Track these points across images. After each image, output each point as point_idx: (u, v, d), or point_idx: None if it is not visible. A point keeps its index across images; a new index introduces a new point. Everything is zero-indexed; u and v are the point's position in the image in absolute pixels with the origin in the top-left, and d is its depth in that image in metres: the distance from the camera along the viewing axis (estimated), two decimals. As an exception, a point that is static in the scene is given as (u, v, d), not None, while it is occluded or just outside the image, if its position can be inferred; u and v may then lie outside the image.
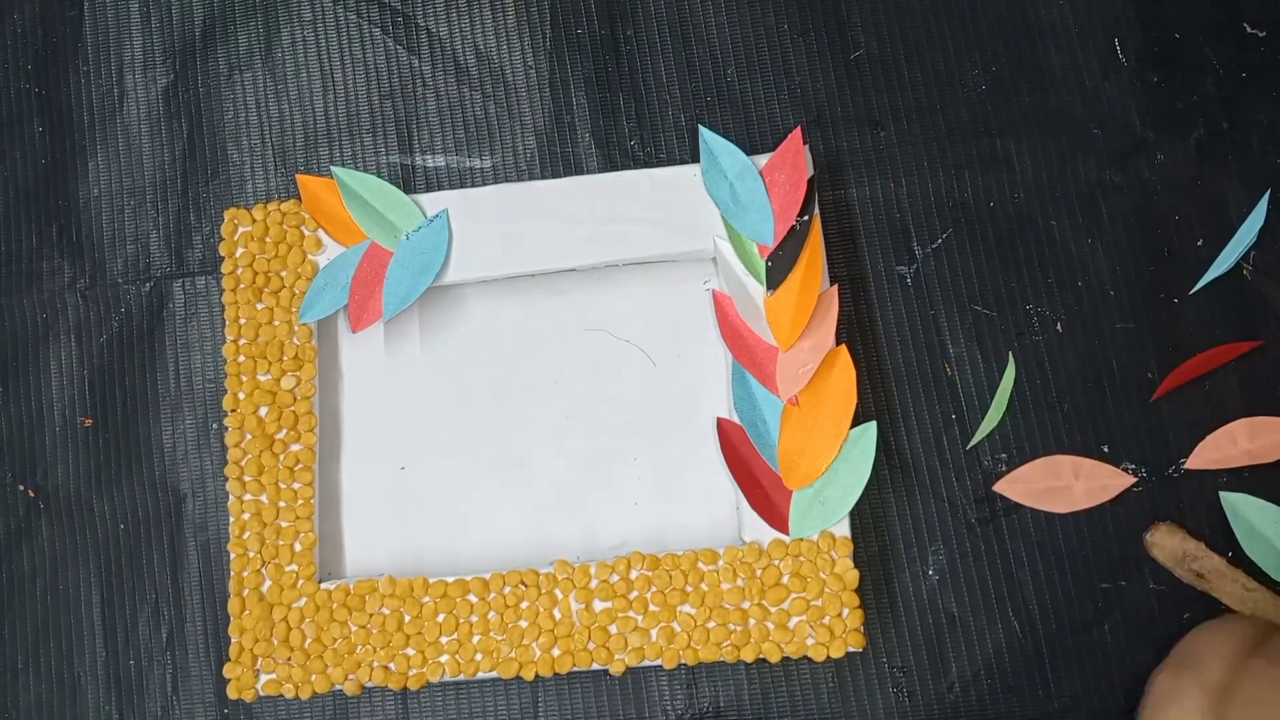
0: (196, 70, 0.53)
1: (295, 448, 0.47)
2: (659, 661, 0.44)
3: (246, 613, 0.46)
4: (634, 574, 0.45)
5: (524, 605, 0.45)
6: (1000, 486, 0.47)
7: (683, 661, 0.44)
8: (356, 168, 0.51)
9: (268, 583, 0.46)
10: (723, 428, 0.46)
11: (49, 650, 0.49)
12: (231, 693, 0.45)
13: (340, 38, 0.53)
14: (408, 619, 0.45)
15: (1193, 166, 0.49)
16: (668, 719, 0.46)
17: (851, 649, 0.44)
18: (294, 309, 0.48)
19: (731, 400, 0.46)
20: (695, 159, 0.48)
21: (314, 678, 0.45)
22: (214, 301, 0.51)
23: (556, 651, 0.44)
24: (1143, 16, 0.50)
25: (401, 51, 0.52)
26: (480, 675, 0.45)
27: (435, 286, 0.48)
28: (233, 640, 0.46)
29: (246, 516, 0.47)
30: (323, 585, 0.46)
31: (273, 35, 0.53)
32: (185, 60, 0.53)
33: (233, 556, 0.46)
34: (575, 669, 0.44)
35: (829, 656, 0.43)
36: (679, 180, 0.48)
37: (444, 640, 0.45)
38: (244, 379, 0.48)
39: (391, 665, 0.45)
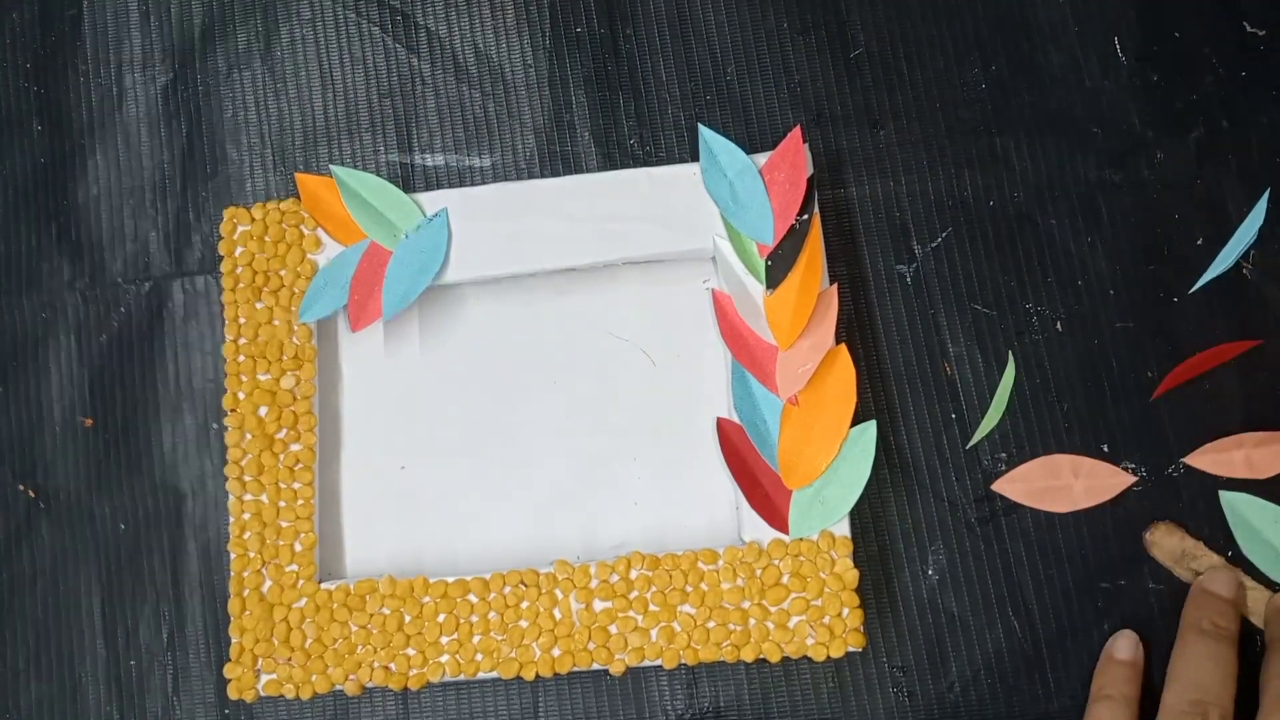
0: (196, 69, 0.53)
1: (295, 448, 0.47)
2: (659, 661, 0.44)
3: (247, 613, 0.46)
4: (634, 574, 0.45)
5: (524, 605, 0.45)
6: (1000, 486, 0.47)
7: (683, 661, 0.44)
8: (356, 167, 0.51)
9: (268, 583, 0.46)
10: (722, 427, 0.46)
11: (49, 651, 0.49)
12: (232, 693, 0.45)
13: (339, 36, 0.53)
14: (408, 619, 0.45)
15: (1192, 166, 0.49)
16: (668, 719, 0.46)
17: (851, 649, 0.44)
18: (294, 308, 0.48)
19: (731, 400, 0.46)
20: (695, 158, 0.48)
21: (314, 678, 0.45)
22: (214, 301, 0.51)
23: (556, 651, 0.44)
24: (1143, 16, 0.50)
25: (401, 50, 0.52)
26: (480, 675, 0.45)
27: (435, 286, 0.48)
28: (233, 640, 0.46)
29: (246, 517, 0.47)
30: (323, 585, 0.46)
31: (272, 34, 0.53)
32: (184, 59, 0.53)
33: (233, 557, 0.47)
34: (575, 669, 0.44)
35: (829, 656, 0.43)
36: (678, 179, 0.48)
37: (444, 640, 0.45)
38: (244, 379, 0.48)
39: (392, 665, 0.45)
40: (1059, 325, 0.48)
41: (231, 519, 0.47)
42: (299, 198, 0.50)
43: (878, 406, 0.48)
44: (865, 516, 0.47)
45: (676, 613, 0.44)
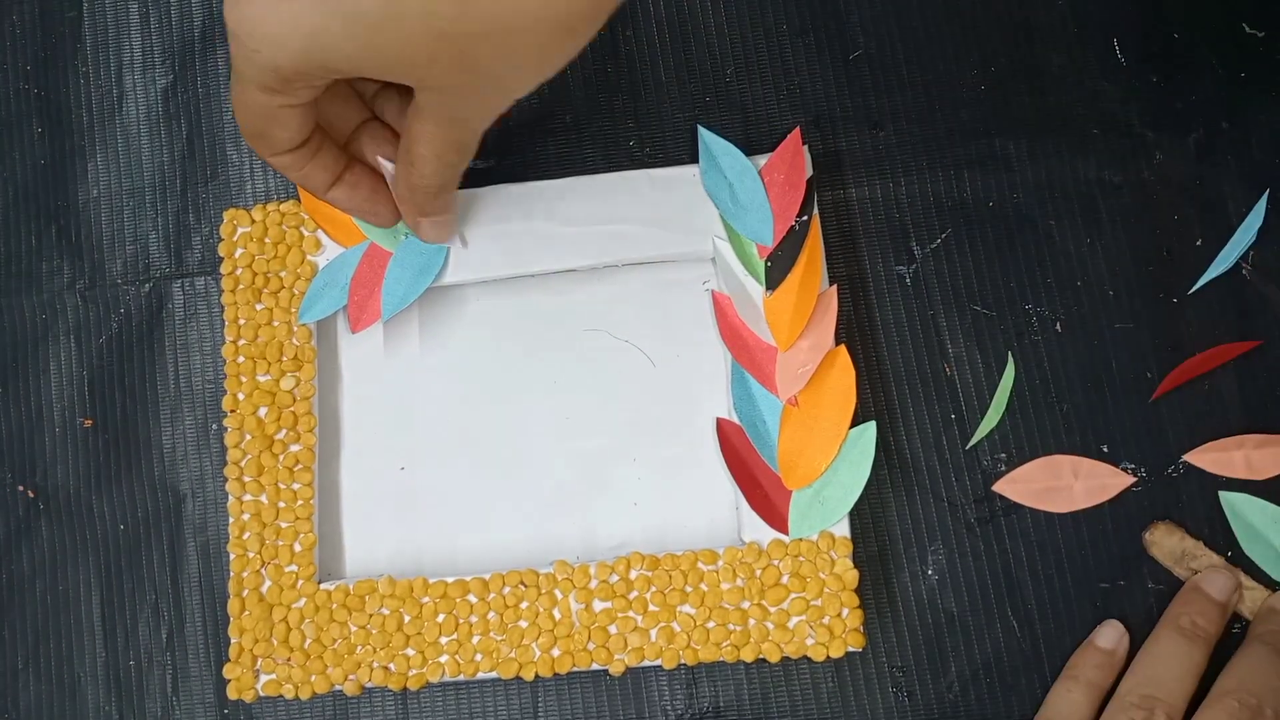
0: (196, 71, 0.53)
1: (295, 448, 0.47)
2: (659, 661, 0.44)
3: (246, 613, 0.46)
4: (634, 574, 0.45)
5: (524, 605, 0.45)
6: (1000, 486, 0.47)
7: (682, 661, 0.44)
8: (356, 168, 0.51)
9: (267, 583, 0.46)
10: (722, 428, 0.46)
11: (49, 651, 0.49)
12: (231, 693, 0.45)
13: (340, 38, 0.53)
14: (407, 619, 0.45)
15: (1192, 166, 0.49)
16: (667, 719, 0.46)
17: (851, 649, 0.44)
18: (293, 309, 0.48)
19: (731, 400, 0.46)
20: (695, 159, 0.48)
21: (314, 678, 0.45)
22: (213, 302, 0.51)
23: (556, 652, 0.44)
24: (1143, 17, 0.50)
25: (401, 52, 0.52)
26: (480, 675, 0.45)
27: (435, 286, 0.48)
28: (232, 641, 0.46)
29: (246, 517, 0.47)
30: (322, 586, 0.46)
31: (272, 35, 0.53)
32: (185, 61, 0.53)
33: (232, 557, 0.47)
34: (575, 669, 0.44)
35: (829, 656, 0.43)
36: (678, 180, 0.48)
37: (444, 640, 0.45)
38: (243, 379, 0.48)
39: (391, 666, 0.45)
40: (1059, 326, 0.48)
41: (231, 519, 0.47)
42: (299, 199, 0.50)
43: (877, 407, 0.48)
44: (865, 517, 0.47)
45: (676, 613, 0.44)
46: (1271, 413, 0.46)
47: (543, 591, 0.45)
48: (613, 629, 0.44)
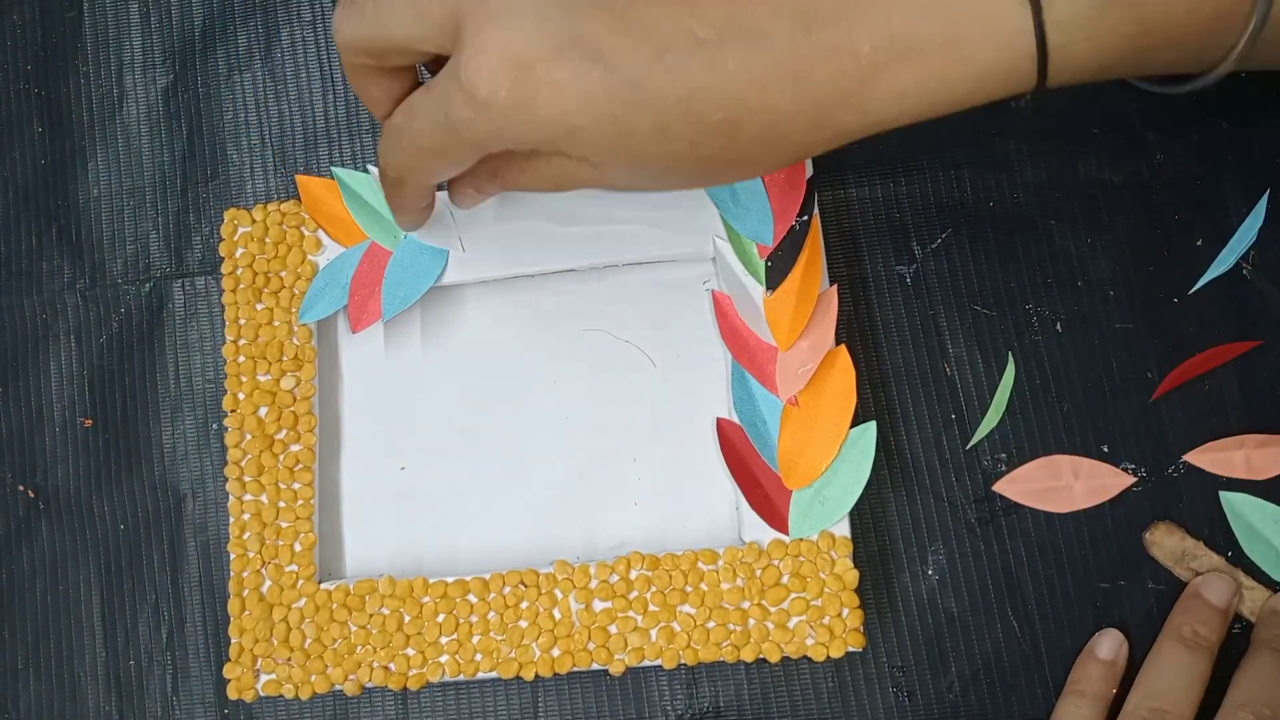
0: (196, 71, 0.53)
1: (295, 448, 0.47)
2: (659, 661, 0.44)
3: (246, 613, 0.46)
4: (634, 574, 0.45)
5: (524, 605, 0.45)
6: (1000, 486, 0.47)
7: (682, 661, 0.44)
8: (356, 168, 0.51)
9: (268, 583, 0.46)
10: (722, 428, 0.46)
11: (49, 650, 0.49)
12: (231, 693, 0.45)
13: (340, 38, 0.53)
14: (408, 619, 0.45)
15: (1193, 166, 0.49)
16: (667, 719, 0.46)
17: (851, 649, 0.44)
18: (294, 309, 0.48)
19: (731, 400, 0.46)
20: (695, 159, 0.48)
21: (314, 678, 0.45)
22: (214, 302, 0.51)
23: (556, 651, 0.44)
24: (1142, 16, 0.50)
25: (401, 51, 0.52)
26: (480, 675, 0.45)
27: (435, 286, 0.48)
28: (233, 640, 0.46)
29: (246, 517, 0.47)
30: (323, 585, 0.46)
31: (272, 35, 0.53)
32: (185, 60, 0.53)
33: (232, 557, 0.47)
34: (575, 669, 0.44)
35: (829, 656, 0.43)
36: (679, 180, 0.48)
37: (444, 640, 0.45)
38: (244, 379, 0.48)
39: (391, 665, 0.45)
40: (1059, 326, 0.48)
41: (231, 519, 0.47)
42: (299, 199, 0.50)
43: (878, 407, 0.48)
44: (865, 517, 0.47)
45: (676, 613, 0.44)
46: (1271, 413, 0.46)
47: (543, 591, 0.45)
48: (613, 629, 0.44)
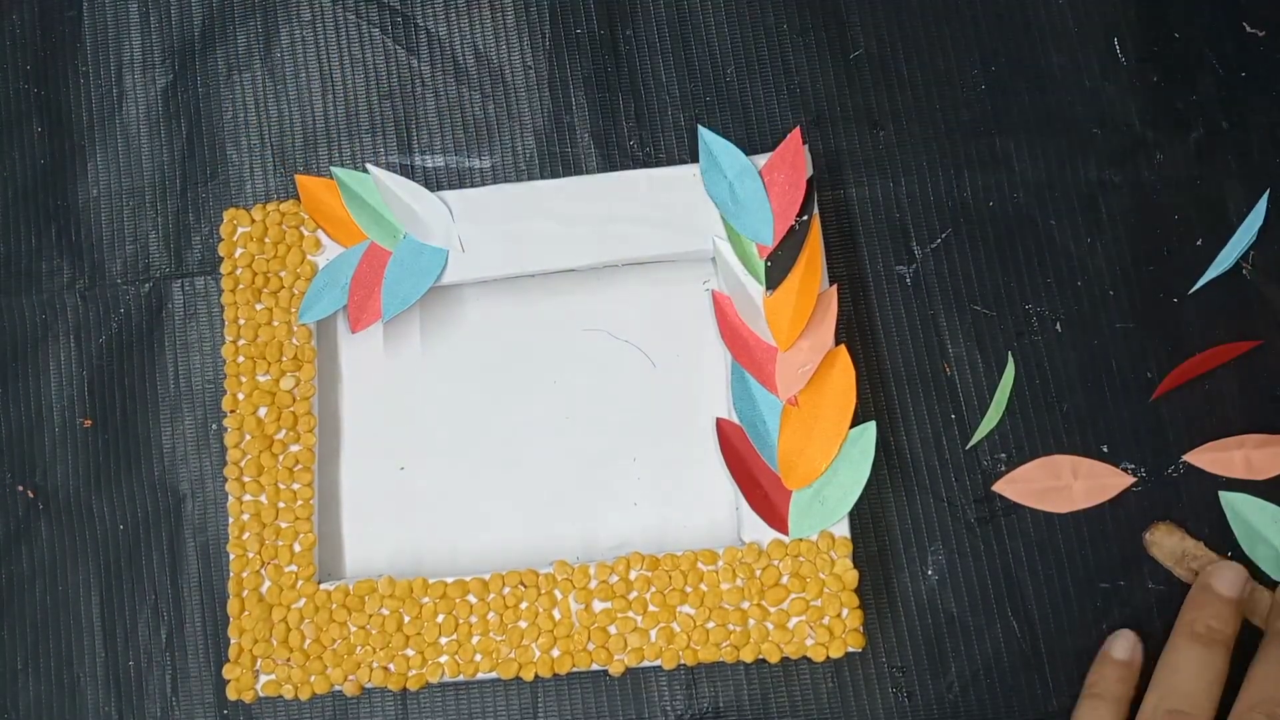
0: (195, 71, 0.53)
1: (295, 448, 0.47)
2: (658, 662, 0.44)
3: (246, 613, 0.46)
4: (633, 574, 0.45)
5: (523, 606, 0.45)
6: (1000, 487, 0.47)
7: (682, 662, 0.44)
8: (356, 168, 0.51)
9: (267, 583, 0.46)
10: (722, 428, 0.46)
11: (48, 651, 0.49)
12: (231, 693, 0.45)
13: (339, 38, 0.53)
14: (407, 620, 0.45)
15: (1192, 166, 0.49)
16: (667, 719, 0.46)
17: (851, 649, 0.44)
18: (293, 309, 0.48)
19: (731, 400, 0.46)
20: (694, 159, 0.48)
21: (313, 678, 0.45)
22: (213, 302, 0.51)
23: (556, 652, 0.44)
24: (1143, 17, 0.50)
25: (401, 52, 0.52)
26: (480, 676, 0.45)
27: (435, 286, 0.48)
28: (232, 641, 0.46)
29: (246, 517, 0.47)
30: (322, 586, 0.46)
31: (272, 35, 0.53)
32: (184, 60, 0.53)
33: (232, 557, 0.47)
34: (574, 669, 0.44)
35: (828, 657, 0.43)
36: (678, 180, 0.48)
37: (443, 641, 0.45)
38: (243, 379, 0.48)
39: (391, 666, 0.45)
40: (1059, 326, 0.48)
41: (231, 519, 0.47)
42: (299, 199, 0.50)
43: (877, 407, 0.48)
44: (865, 517, 0.47)
45: (676, 613, 0.44)
46: (1271, 413, 0.46)
47: (543, 592, 0.45)
48: (612, 629, 0.44)
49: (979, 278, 0.49)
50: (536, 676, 0.44)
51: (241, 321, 0.48)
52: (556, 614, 0.45)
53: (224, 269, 0.49)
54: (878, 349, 0.48)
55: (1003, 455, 0.47)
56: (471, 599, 0.45)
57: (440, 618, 0.45)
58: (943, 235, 0.49)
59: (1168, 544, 0.45)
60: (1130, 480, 0.46)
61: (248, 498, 0.47)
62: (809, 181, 0.46)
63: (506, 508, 0.48)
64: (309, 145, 0.52)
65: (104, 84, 0.53)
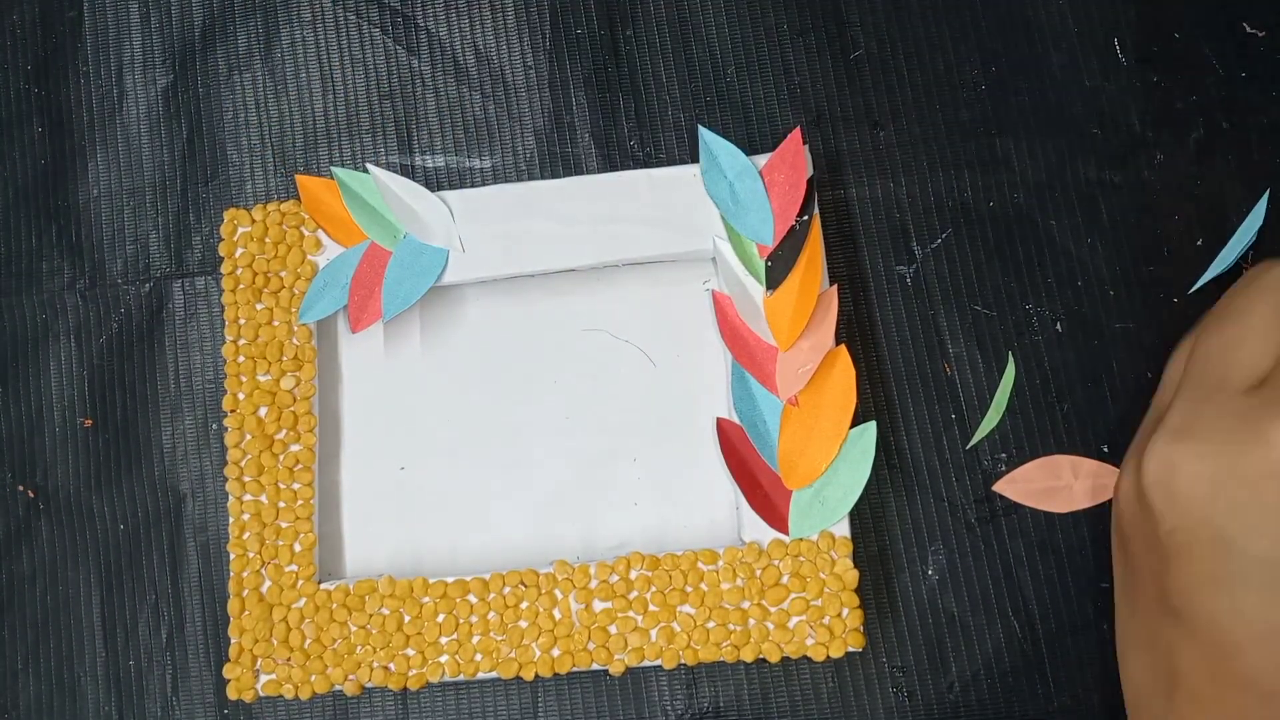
0: (196, 71, 0.53)
1: (295, 448, 0.47)
2: (659, 662, 0.44)
3: (246, 613, 0.46)
4: (634, 574, 0.45)
5: (524, 605, 0.45)
6: (1000, 487, 0.47)
7: (682, 662, 0.44)
8: (356, 168, 0.51)
9: (267, 583, 0.46)
10: (722, 428, 0.46)
11: (48, 651, 0.49)
12: (231, 693, 0.45)
13: (340, 38, 0.53)
14: (407, 619, 0.45)
15: (1192, 166, 0.49)
16: (668, 719, 0.46)
17: (851, 649, 0.44)
18: (294, 309, 0.48)
19: (731, 400, 0.46)
20: (695, 159, 0.48)
21: (314, 678, 0.45)
22: (214, 302, 0.51)
23: (556, 652, 0.44)
24: (1143, 16, 0.50)
25: (401, 52, 0.52)
26: (480, 675, 0.45)
27: (435, 286, 0.48)
28: (232, 641, 0.46)
29: (246, 517, 0.47)
30: (322, 586, 0.46)
31: (272, 36, 0.53)
32: (185, 60, 0.53)
33: (232, 557, 0.47)
34: (575, 669, 0.44)
35: (829, 656, 0.43)
36: (678, 180, 0.48)
37: (444, 640, 0.45)
38: (244, 379, 0.48)
39: (391, 666, 0.45)
40: (1059, 326, 0.48)
41: (231, 519, 0.47)
42: (299, 199, 0.50)
43: (878, 407, 0.48)
44: (865, 517, 0.47)
45: (676, 613, 0.44)
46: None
47: (543, 591, 0.45)
48: (613, 629, 0.44)
49: (979, 278, 0.49)
50: (536, 676, 0.44)
51: (242, 321, 0.48)
52: (557, 614, 0.45)
53: (224, 269, 0.49)
54: (878, 349, 0.48)
55: (1003, 455, 0.47)
56: (472, 599, 0.45)
57: (440, 617, 0.45)
58: (943, 235, 0.49)
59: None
60: (1130, 480, 0.46)
61: (248, 497, 0.47)
62: (809, 181, 0.47)
63: (507, 507, 0.48)
64: (309, 145, 0.52)
65: (104, 84, 0.53)
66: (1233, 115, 0.49)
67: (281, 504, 0.47)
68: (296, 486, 0.47)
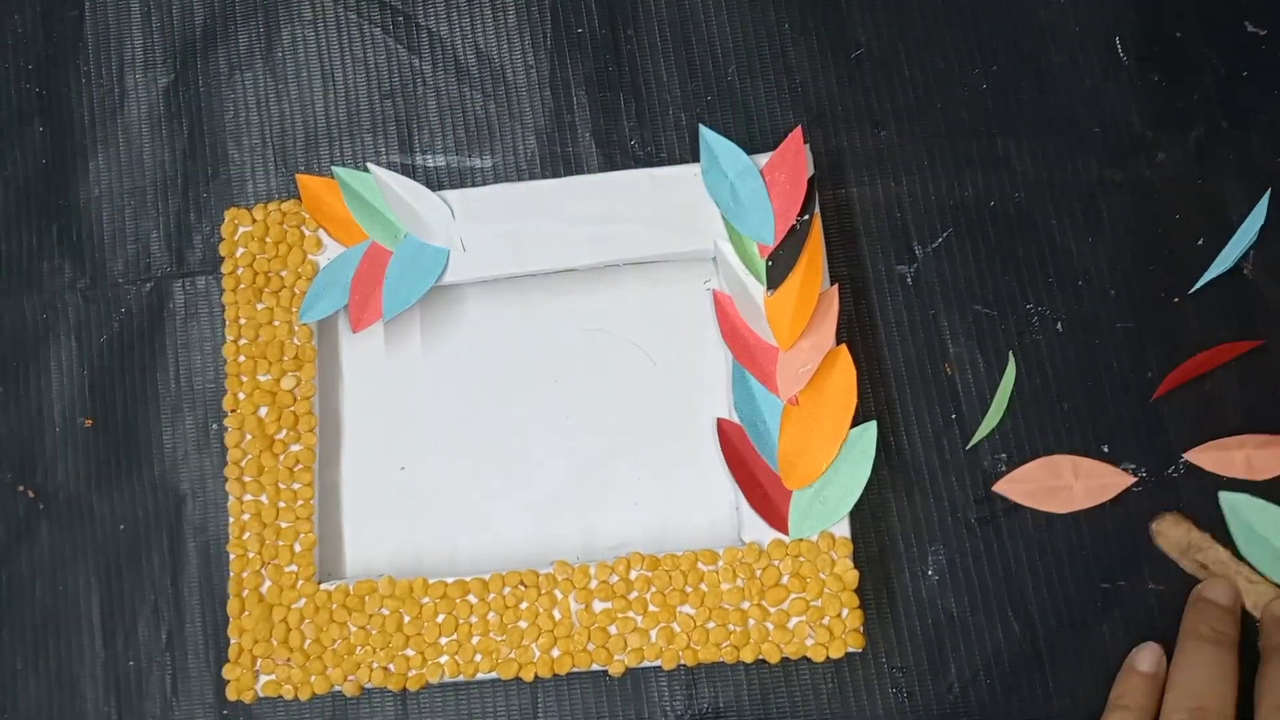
0: (197, 70, 0.53)
1: (295, 448, 0.47)
2: (658, 662, 0.44)
3: (246, 613, 0.46)
4: (634, 574, 0.45)
5: (523, 606, 0.45)
6: (1000, 487, 0.47)
7: (682, 662, 0.44)
8: (357, 167, 0.51)
9: (267, 583, 0.46)
10: (722, 428, 0.46)
11: (48, 651, 0.49)
12: (231, 694, 0.45)
13: (340, 37, 0.53)
14: (407, 620, 0.45)
15: (1193, 166, 0.49)
16: (667, 719, 0.46)
17: (851, 649, 0.44)
18: (294, 309, 0.48)
19: (731, 400, 0.46)
20: (695, 158, 0.48)
21: (313, 679, 0.45)
22: (214, 301, 0.51)
23: (556, 652, 0.44)
24: (1143, 16, 0.50)
25: (402, 51, 0.52)
26: (480, 676, 0.45)
27: (435, 286, 0.48)
28: (232, 641, 0.46)
29: (246, 517, 0.47)
30: (322, 586, 0.46)
31: (273, 35, 0.53)
32: (186, 60, 0.53)
33: (232, 557, 0.47)
34: (575, 670, 0.44)
35: (829, 657, 0.43)
36: (679, 180, 0.48)
37: (443, 641, 0.45)
38: (244, 379, 0.48)
39: (391, 666, 0.45)
40: (1059, 325, 0.48)
41: (231, 519, 0.47)
42: (300, 198, 0.50)
43: (878, 407, 0.48)
44: (865, 517, 0.47)
45: (676, 613, 0.44)
46: (1272, 413, 0.46)
47: (543, 592, 0.45)
48: (613, 629, 0.44)
49: (979, 277, 0.49)
50: (536, 676, 0.44)
51: (242, 321, 0.48)
52: (556, 614, 0.45)
53: (225, 268, 0.49)
54: (878, 349, 0.48)
55: (1003, 455, 0.47)
56: (471, 599, 0.45)
57: (440, 618, 0.45)
58: (943, 235, 0.49)
59: (1174, 535, 0.45)
60: (1131, 480, 0.46)
61: (248, 498, 0.47)
62: (810, 181, 0.47)
63: (507, 508, 0.48)
64: (310, 144, 0.52)
65: (105, 83, 0.53)
66: (1233, 115, 0.49)
67: (281, 504, 0.47)
68: (296, 486, 0.47)
